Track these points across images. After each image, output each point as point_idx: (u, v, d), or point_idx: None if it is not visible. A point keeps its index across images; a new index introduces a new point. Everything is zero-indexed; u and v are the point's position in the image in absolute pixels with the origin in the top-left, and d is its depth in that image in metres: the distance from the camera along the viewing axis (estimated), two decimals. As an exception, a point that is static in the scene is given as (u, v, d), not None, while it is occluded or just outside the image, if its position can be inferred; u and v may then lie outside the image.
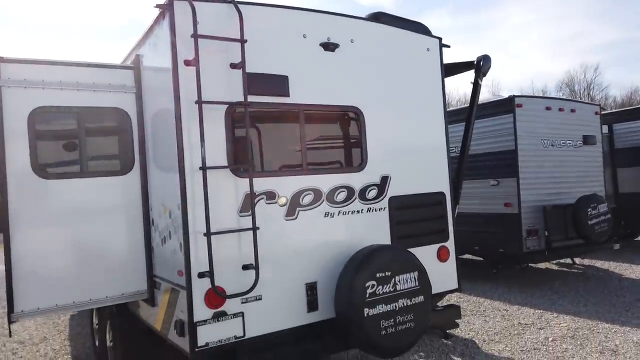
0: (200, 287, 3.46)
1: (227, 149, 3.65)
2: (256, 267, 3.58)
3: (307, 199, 4.01)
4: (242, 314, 3.62)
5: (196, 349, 3.42)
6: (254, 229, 3.59)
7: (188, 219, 3.45)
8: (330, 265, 4.05)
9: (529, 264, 8.90)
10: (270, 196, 3.83)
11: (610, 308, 6.99)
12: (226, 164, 3.62)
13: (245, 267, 3.64)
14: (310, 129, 4.19)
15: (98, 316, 5.45)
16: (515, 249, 8.10)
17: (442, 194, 4.84)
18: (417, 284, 3.97)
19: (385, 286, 3.79)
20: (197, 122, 3.45)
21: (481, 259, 9.46)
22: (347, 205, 4.22)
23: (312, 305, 3.95)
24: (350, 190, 4.25)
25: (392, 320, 3.79)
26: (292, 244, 3.92)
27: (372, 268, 3.75)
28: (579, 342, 5.68)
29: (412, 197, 4.61)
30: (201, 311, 3.47)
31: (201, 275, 3.45)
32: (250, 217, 3.65)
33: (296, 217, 3.95)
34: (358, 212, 4.28)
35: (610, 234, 8.62)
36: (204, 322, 3.46)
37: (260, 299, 3.71)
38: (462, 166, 5.80)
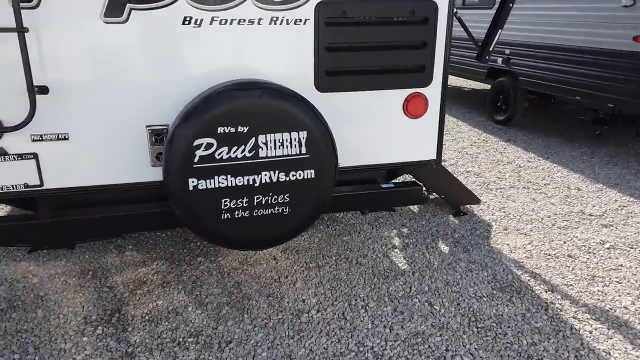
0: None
1: None
2: (29, 91, 2.34)
3: (148, -10, 2.45)
4: (35, 156, 2.55)
5: (-39, 195, 2.52)
6: (20, 29, 2.25)
7: None
8: (194, 103, 2.63)
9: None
10: (72, -20, 2.36)
11: None
12: None
13: (39, 88, 2.43)
14: None
15: None
16: (634, 107, 5.57)
17: (429, 5, 2.84)
18: (303, 152, 2.44)
19: (234, 149, 2.35)
20: None
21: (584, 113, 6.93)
22: (228, 8, 2.57)
23: (160, 158, 2.70)
24: (236, -17, 2.55)
25: (244, 200, 2.43)
26: (120, 64, 2.53)
27: (209, 118, 2.28)
28: (648, 260, 3.75)
29: (364, 5, 2.73)
30: (-40, 146, 2.46)
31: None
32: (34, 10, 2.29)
33: (126, 20, 2.47)
34: (252, 22, 2.62)
35: None
36: (-34, 161, 2.47)
37: (66, 138, 2.56)
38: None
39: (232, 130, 2.31)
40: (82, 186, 2.66)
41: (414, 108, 3.00)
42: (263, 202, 2.46)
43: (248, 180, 2.41)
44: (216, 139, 2.31)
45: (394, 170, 3.23)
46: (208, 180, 2.35)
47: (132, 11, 2.46)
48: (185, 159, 2.29)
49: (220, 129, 2.29)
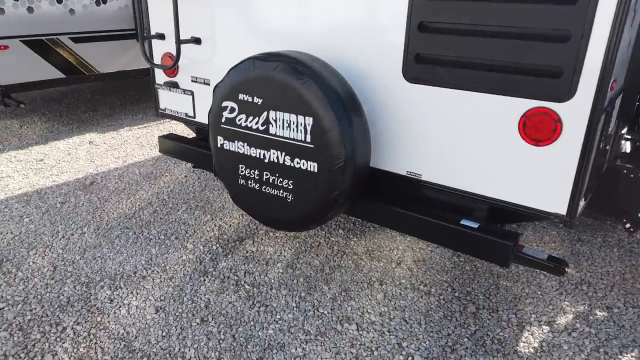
0: (157, 48, 3.31)
1: None
2: (176, 41, 2.95)
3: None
4: (192, 93, 3.23)
5: (159, 110, 3.48)
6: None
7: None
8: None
9: None
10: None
11: None
12: None
13: (194, 39, 3.08)
14: None
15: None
16: None
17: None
18: (307, 139, 2.12)
19: (250, 119, 2.29)
20: None
21: None
22: (318, -28, 2.40)
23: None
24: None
25: (255, 172, 2.37)
26: (233, 27, 2.82)
27: (234, 82, 2.29)
28: None
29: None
30: (159, 75, 3.37)
31: (155, 36, 3.25)
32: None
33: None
34: (345, -10, 2.35)
35: None
36: (160, 86, 3.38)
37: (208, 84, 3.12)
38: None
39: (249, 99, 2.25)
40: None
41: (534, 129, 1.97)
42: (271, 182, 2.31)
43: (259, 153, 2.31)
44: (237, 104, 2.31)
45: (508, 211, 2.24)
46: (229, 142, 2.41)
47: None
48: (216, 117, 2.43)
49: (240, 96, 2.28)
